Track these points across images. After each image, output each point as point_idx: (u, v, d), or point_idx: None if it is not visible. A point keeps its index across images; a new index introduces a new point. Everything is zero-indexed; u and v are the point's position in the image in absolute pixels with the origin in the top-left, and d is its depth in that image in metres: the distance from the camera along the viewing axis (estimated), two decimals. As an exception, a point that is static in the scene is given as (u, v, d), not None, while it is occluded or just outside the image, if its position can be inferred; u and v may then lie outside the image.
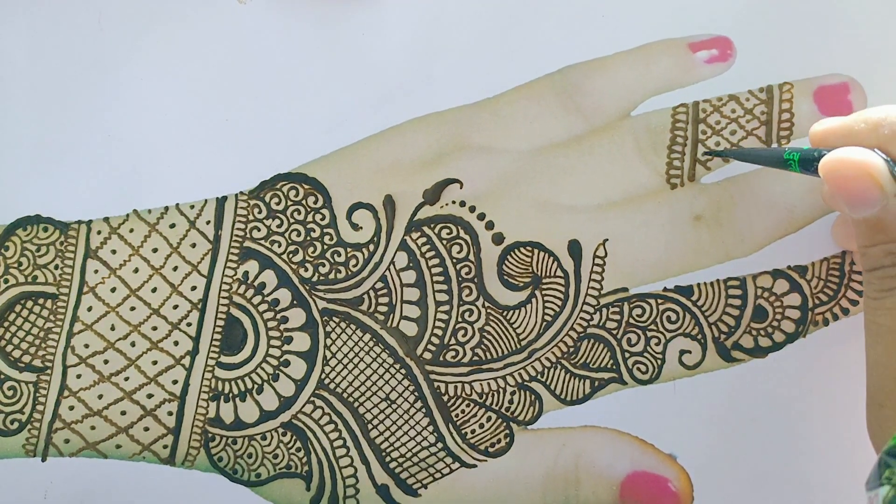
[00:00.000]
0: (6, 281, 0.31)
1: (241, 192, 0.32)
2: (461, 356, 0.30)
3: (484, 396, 0.30)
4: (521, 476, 0.30)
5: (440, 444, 0.30)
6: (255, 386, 0.31)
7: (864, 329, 0.24)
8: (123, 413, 0.30)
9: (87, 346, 0.31)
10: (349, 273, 0.31)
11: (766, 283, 0.30)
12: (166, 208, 0.32)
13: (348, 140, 0.32)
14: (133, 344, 0.31)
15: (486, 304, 0.31)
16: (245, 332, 0.31)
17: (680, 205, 0.30)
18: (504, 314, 0.30)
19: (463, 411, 0.30)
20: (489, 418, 0.30)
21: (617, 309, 0.30)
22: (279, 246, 0.31)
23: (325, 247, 0.31)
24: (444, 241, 0.31)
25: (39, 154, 0.33)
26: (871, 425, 0.24)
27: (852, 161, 0.23)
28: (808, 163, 0.25)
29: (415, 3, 0.33)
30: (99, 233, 0.32)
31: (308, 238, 0.31)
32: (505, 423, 0.30)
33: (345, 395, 0.30)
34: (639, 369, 0.30)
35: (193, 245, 0.31)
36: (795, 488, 0.30)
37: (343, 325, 0.31)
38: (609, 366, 0.30)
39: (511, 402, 0.30)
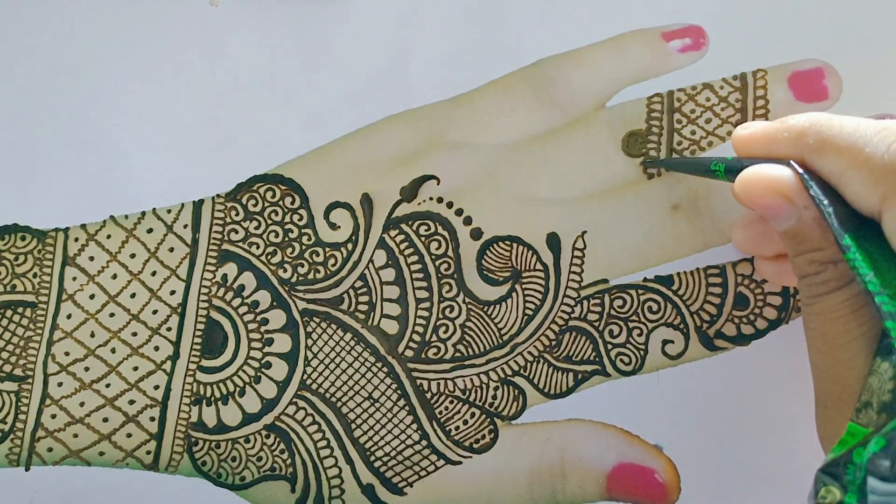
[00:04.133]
0: (-15, 291, 0.31)
1: (218, 195, 0.32)
2: (443, 353, 0.30)
3: (467, 392, 0.30)
4: (506, 471, 0.30)
5: (424, 442, 0.30)
6: (237, 389, 0.30)
7: (805, 333, 0.25)
8: (105, 420, 0.30)
9: (67, 353, 0.31)
10: (328, 273, 0.31)
11: (746, 270, 0.30)
12: (143, 213, 0.32)
13: (323, 139, 0.32)
14: (113, 350, 0.31)
15: (467, 299, 0.30)
16: (225, 335, 0.31)
17: (657, 195, 0.30)
18: (485, 309, 0.30)
19: (446, 408, 0.30)
20: (473, 414, 0.30)
21: (598, 301, 0.30)
22: (257, 248, 0.31)
23: (304, 247, 0.31)
24: (423, 238, 0.31)
25: (14, 162, 0.32)
26: (818, 426, 0.24)
27: (762, 178, 0.23)
28: (732, 173, 0.25)
29: (387, 0, 0.33)
30: (76, 240, 0.31)
31: (286, 239, 0.31)
32: (489, 419, 0.30)
33: (327, 395, 0.30)
34: (622, 361, 0.30)
35: (171, 249, 0.31)
36: (782, 476, 0.29)
37: (323, 325, 0.31)
38: (592, 358, 0.30)
39: (495, 397, 0.30)
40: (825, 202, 0.22)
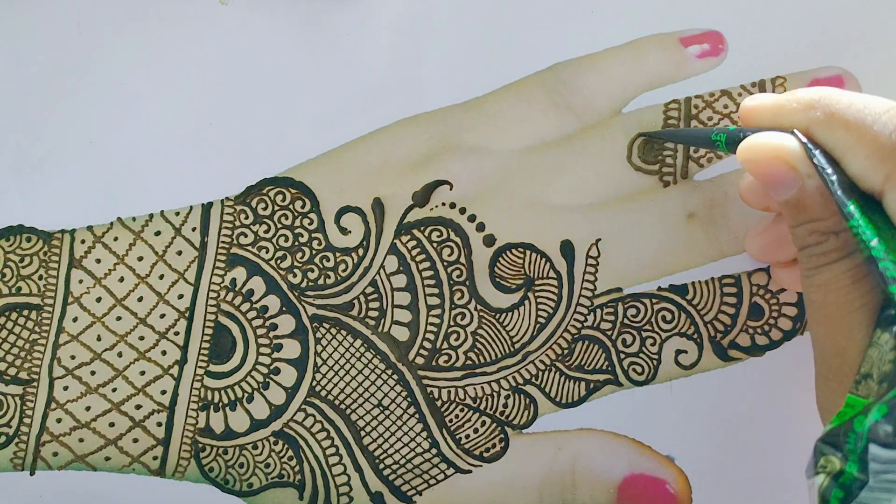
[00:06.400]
0: (-10, 292, 0.31)
1: (227, 198, 0.31)
2: (454, 360, 0.30)
3: (478, 401, 0.30)
4: (517, 480, 0.30)
5: (434, 450, 0.30)
6: (246, 395, 0.30)
7: (805, 306, 0.24)
8: (112, 425, 0.30)
9: (73, 357, 0.30)
10: (339, 278, 0.31)
11: (762, 280, 0.30)
12: (151, 216, 0.31)
13: (335, 142, 0.31)
14: (120, 354, 0.30)
15: (479, 306, 0.30)
16: (234, 341, 0.30)
17: (673, 203, 0.30)
18: (497, 317, 0.30)
19: (457, 416, 0.30)
20: (483, 423, 0.30)
21: (611, 309, 0.30)
22: (267, 252, 0.31)
23: (314, 252, 0.31)
24: (435, 244, 0.30)
25: (20, 163, 0.32)
26: (818, 399, 0.24)
27: (767, 145, 0.23)
28: (733, 144, 0.24)
29: (401, 1, 0.32)
30: (83, 242, 0.31)
31: (296, 243, 0.31)
32: (500, 428, 0.30)
33: (336, 402, 0.30)
34: (634, 370, 0.30)
35: (179, 252, 0.31)
36: (794, 488, 0.29)
37: (333, 331, 0.30)
38: (604, 367, 0.30)
39: (505, 405, 0.30)
40: (828, 170, 0.22)
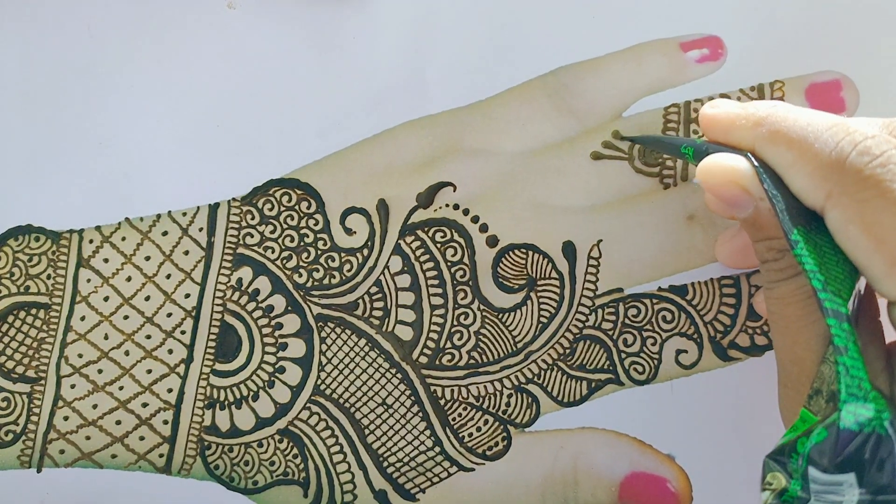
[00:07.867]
0: (-2, 291, 0.31)
1: (234, 199, 0.32)
2: (457, 360, 0.30)
3: (481, 399, 0.30)
4: (519, 478, 0.30)
5: (437, 449, 0.30)
6: (251, 393, 0.30)
7: (767, 315, 0.25)
8: (118, 423, 0.30)
9: (80, 355, 0.30)
10: (343, 278, 0.31)
11: (761, 280, 0.30)
12: (158, 216, 0.32)
13: (341, 144, 0.32)
14: (127, 353, 0.31)
15: (482, 306, 0.30)
16: (239, 339, 0.31)
17: (673, 204, 0.30)
18: (499, 316, 0.30)
19: (460, 415, 0.30)
20: (486, 421, 0.30)
21: (612, 309, 0.30)
22: (273, 252, 0.31)
23: (319, 252, 0.31)
24: (439, 245, 0.31)
25: (30, 163, 0.32)
26: (780, 405, 0.25)
27: (721, 168, 0.23)
28: (699, 157, 0.25)
29: (406, 5, 0.33)
30: (91, 241, 0.31)
31: (302, 243, 0.31)
32: (502, 426, 0.30)
33: (341, 400, 0.30)
34: (635, 370, 0.30)
35: (186, 252, 0.31)
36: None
37: (338, 330, 0.31)
38: (605, 367, 0.30)
39: (508, 404, 0.30)
40: (778, 196, 0.22)
